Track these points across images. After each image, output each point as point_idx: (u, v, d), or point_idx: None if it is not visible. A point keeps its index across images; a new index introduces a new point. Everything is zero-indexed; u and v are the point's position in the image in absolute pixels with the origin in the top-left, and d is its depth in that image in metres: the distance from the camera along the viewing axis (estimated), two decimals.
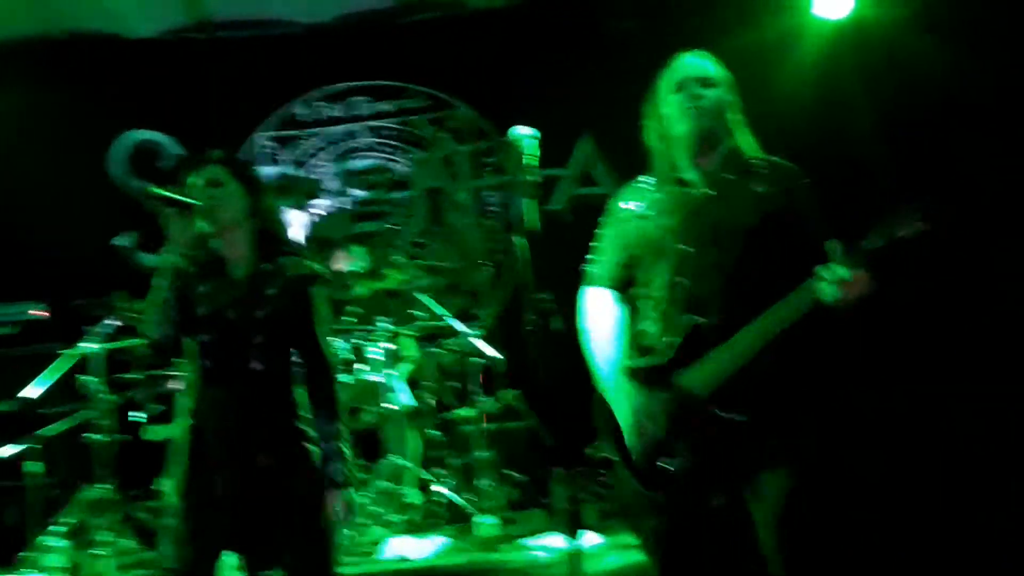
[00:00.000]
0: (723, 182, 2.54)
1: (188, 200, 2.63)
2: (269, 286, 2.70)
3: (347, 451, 2.73)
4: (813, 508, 2.36)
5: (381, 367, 4.87)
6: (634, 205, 2.62)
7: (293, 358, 2.75)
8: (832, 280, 2.25)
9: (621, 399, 2.50)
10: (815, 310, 2.31)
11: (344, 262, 5.72)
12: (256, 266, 2.73)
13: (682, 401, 2.42)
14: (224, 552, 2.67)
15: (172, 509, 2.60)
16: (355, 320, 5.20)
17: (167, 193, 2.61)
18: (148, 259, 6.67)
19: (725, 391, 2.38)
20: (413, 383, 5.45)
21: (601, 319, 2.64)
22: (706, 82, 2.56)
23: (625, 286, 2.65)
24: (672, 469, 2.40)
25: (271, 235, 2.79)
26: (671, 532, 2.44)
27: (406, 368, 5.57)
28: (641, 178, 2.69)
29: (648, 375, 2.49)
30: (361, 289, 5.53)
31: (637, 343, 2.56)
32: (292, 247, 2.85)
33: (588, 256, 2.75)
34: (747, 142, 2.60)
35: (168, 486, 2.64)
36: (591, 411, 2.61)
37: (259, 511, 2.58)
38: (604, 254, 2.69)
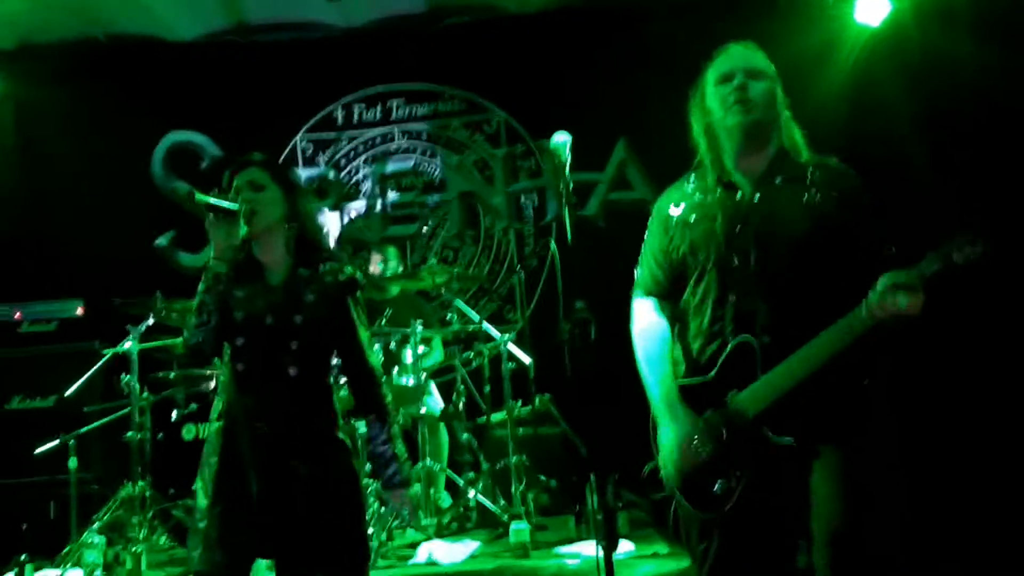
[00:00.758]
0: (772, 187, 2.43)
1: (231, 206, 2.64)
2: (307, 292, 2.71)
3: (402, 450, 2.73)
4: (868, 524, 2.28)
5: (415, 370, 4.87)
6: (678, 210, 2.53)
7: (331, 364, 2.77)
8: (890, 306, 2.15)
9: (667, 423, 2.43)
10: (868, 333, 2.22)
11: (377, 264, 5.75)
12: (294, 271, 2.74)
13: (732, 422, 2.34)
14: (257, 557, 2.69)
15: (201, 512, 2.60)
16: (385, 323, 5.22)
17: (210, 199, 2.63)
18: (187, 259, 6.77)
19: (776, 412, 2.29)
20: (447, 386, 5.47)
21: (648, 335, 2.56)
22: (755, 73, 2.44)
23: (673, 292, 2.57)
24: (720, 492, 2.34)
25: (309, 240, 2.79)
26: (721, 554, 2.37)
27: (431, 360, 5.59)
28: (686, 177, 2.60)
29: (697, 393, 2.42)
30: (394, 290, 5.56)
31: (686, 356, 2.49)
32: (330, 253, 2.85)
33: (636, 260, 2.70)
34: (798, 141, 2.49)
35: (199, 488, 2.64)
36: (643, 425, 2.58)
37: (293, 517, 2.58)
38: (649, 260, 2.61)
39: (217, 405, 2.72)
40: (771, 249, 2.36)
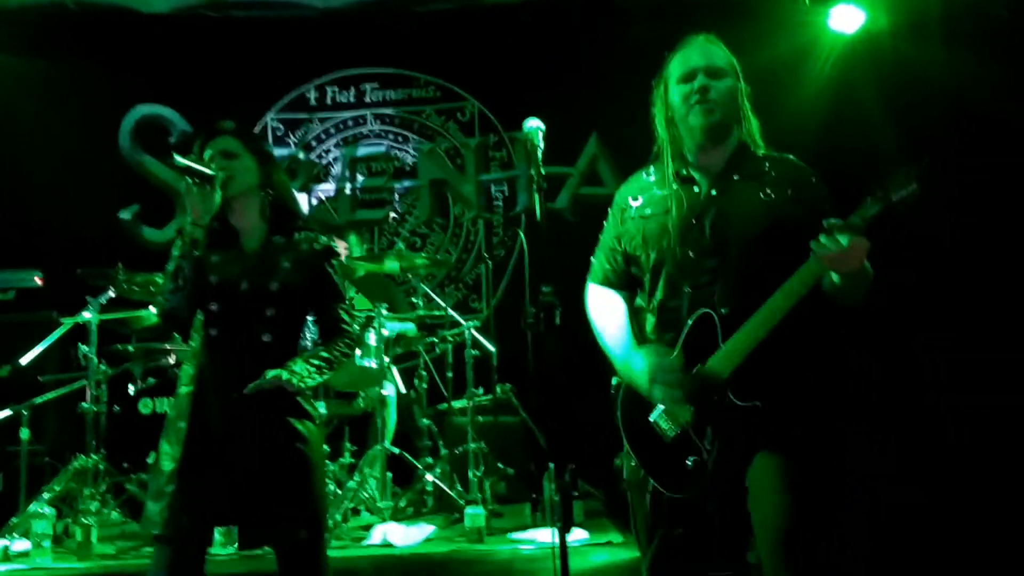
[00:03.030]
0: (729, 183, 2.47)
1: (208, 170, 2.63)
2: (283, 259, 2.71)
3: (316, 372, 2.63)
4: (819, 512, 2.28)
5: (378, 354, 4.87)
6: (636, 202, 2.58)
7: (303, 331, 2.76)
8: (832, 248, 2.17)
9: (641, 363, 2.43)
10: (820, 292, 2.27)
11: (341, 252, 5.73)
12: (268, 238, 2.74)
13: (704, 386, 2.35)
14: (220, 524, 2.67)
15: (167, 476, 2.57)
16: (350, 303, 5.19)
17: (188, 162, 2.61)
18: (151, 233, 6.70)
19: (741, 378, 2.32)
20: (409, 371, 5.47)
21: (605, 310, 2.63)
22: (716, 72, 2.47)
23: (626, 284, 2.62)
24: (692, 467, 2.36)
25: (283, 207, 2.79)
26: (681, 540, 2.39)
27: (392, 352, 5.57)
28: (645, 170, 2.64)
29: None
30: (360, 271, 5.53)
31: (642, 338, 2.54)
32: (305, 221, 2.85)
33: (594, 250, 2.74)
34: (755, 133, 2.54)
35: (165, 451, 2.62)
36: (606, 412, 2.61)
37: (254, 485, 2.57)
38: (604, 250, 2.67)
39: (187, 370, 2.69)
40: (726, 244, 2.41)
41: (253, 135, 2.91)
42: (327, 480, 4.37)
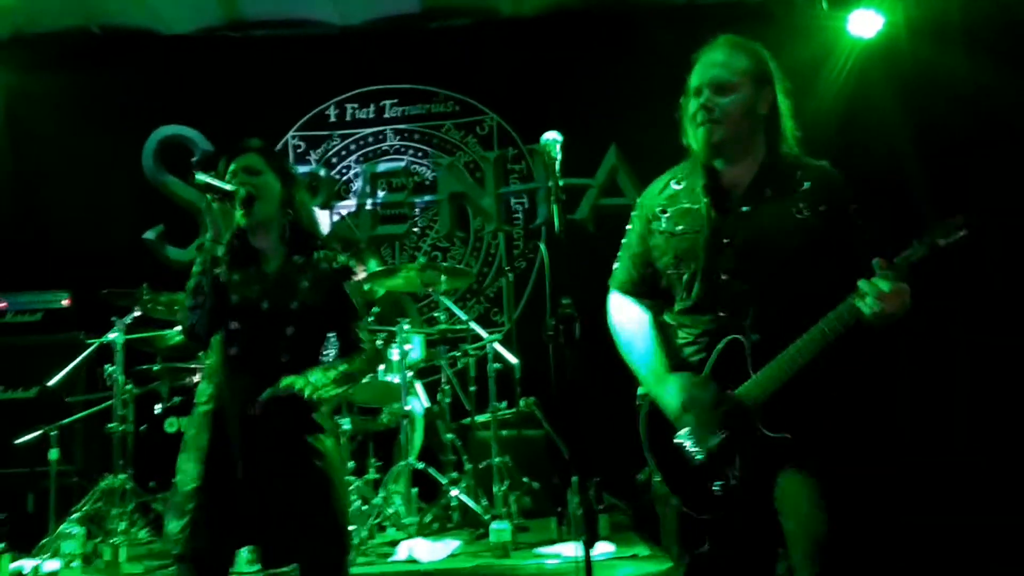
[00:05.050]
0: (760, 200, 2.39)
1: (231, 188, 2.64)
2: (302, 279, 2.72)
3: (332, 384, 2.66)
4: (852, 523, 2.27)
5: (400, 369, 4.87)
6: (665, 215, 2.49)
7: (321, 351, 2.78)
8: (874, 294, 2.15)
9: (673, 390, 2.38)
10: (858, 325, 2.22)
11: (361, 272, 5.75)
12: (288, 258, 2.75)
13: (732, 414, 2.31)
14: (241, 545, 2.68)
15: (187, 495, 2.58)
16: (372, 321, 5.21)
17: (208, 179, 2.63)
18: (174, 253, 6.76)
19: (770, 409, 2.28)
20: (433, 386, 5.46)
21: (630, 322, 2.56)
22: (723, 87, 2.39)
23: (649, 293, 2.56)
24: (719, 493, 2.32)
25: (303, 229, 2.80)
26: (707, 559, 2.36)
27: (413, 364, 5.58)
28: (673, 175, 2.56)
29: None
30: (380, 290, 5.56)
31: (672, 358, 2.45)
32: (324, 241, 2.86)
33: (617, 256, 2.70)
34: (790, 141, 2.45)
35: (185, 470, 2.62)
36: (624, 428, 2.59)
37: (274, 503, 2.58)
38: (629, 259, 2.60)
39: (205, 388, 2.70)
40: (758, 266, 2.33)
41: (277, 154, 2.91)
42: (351, 495, 4.37)
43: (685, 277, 2.43)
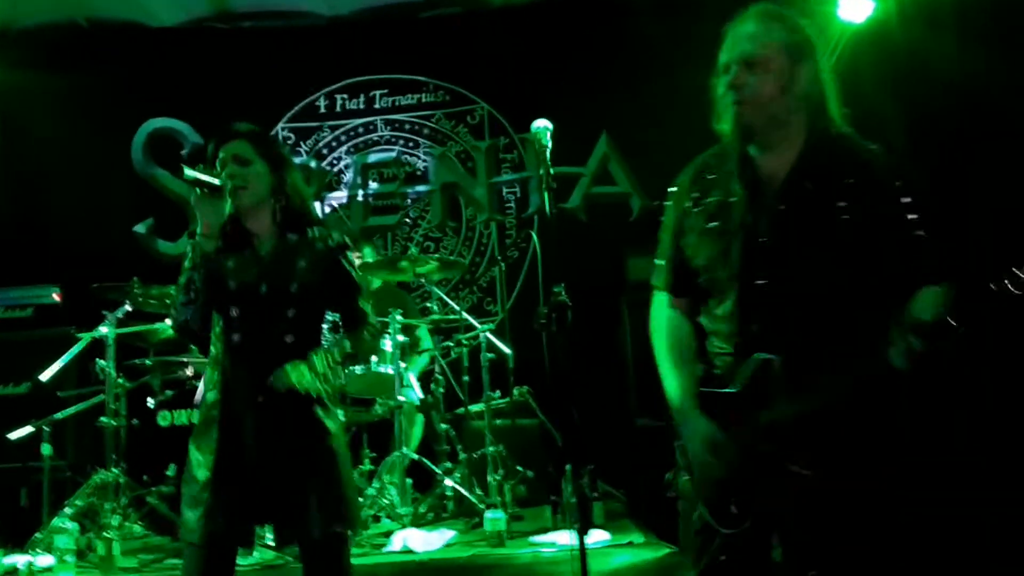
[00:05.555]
0: (800, 195, 2.14)
1: (216, 181, 2.62)
2: (299, 259, 2.71)
3: (337, 366, 2.69)
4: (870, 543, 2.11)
5: (393, 360, 4.86)
6: (698, 209, 2.28)
7: (323, 329, 2.78)
8: (905, 351, 1.95)
9: (691, 433, 2.23)
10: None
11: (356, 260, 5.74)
12: (282, 239, 2.73)
13: (755, 442, 2.13)
14: (255, 524, 2.68)
15: (201, 484, 2.58)
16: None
17: (196, 174, 2.60)
18: (165, 247, 6.73)
19: (796, 442, 2.09)
20: (426, 376, 5.46)
21: (666, 334, 2.38)
22: (752, 64, 2.15)
23: (691, 287, 2.34)
24: (737, 512, 2.15)
25: (297, 211, 2.78)
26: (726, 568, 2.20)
27: (422, 360, 5.59)
28: (706, 159, 2.33)
29: (718, 402, 2.21)
30: (375, 282, 5.56)
31: (706, 364, 2.29)
32: (317, 219, 2.84)
33: (617, 255, 2.65)
34: (835, 117, 2.20)
35: (197, 459, 2.63)
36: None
37: (287, 483, 2.58)
38: (667, 252, 2.39)
39: (212, 376, 2.70)
40: (796, 271, 2.11)
41: (267, 139, 2.87)
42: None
43: (718, 281, 2.22)
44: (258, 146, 2.74)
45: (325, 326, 2.85)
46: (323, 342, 2.77)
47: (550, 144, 2.67)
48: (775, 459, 2.11)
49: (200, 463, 2.62)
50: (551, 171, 2.64)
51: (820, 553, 2.11)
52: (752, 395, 2.16)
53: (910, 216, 2.12)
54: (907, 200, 2.13)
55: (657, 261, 2.43)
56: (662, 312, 2.42)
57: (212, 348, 2.73)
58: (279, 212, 2.75)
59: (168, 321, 4.84)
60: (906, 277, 2.09)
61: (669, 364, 2.35)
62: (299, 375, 2.56)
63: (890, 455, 2.17)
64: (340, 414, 4.40)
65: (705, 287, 2.27)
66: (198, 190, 2.61)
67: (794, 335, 2.11)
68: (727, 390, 2.20)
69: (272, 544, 3.67)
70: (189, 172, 2.60)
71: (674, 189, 2.38)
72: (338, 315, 2.88)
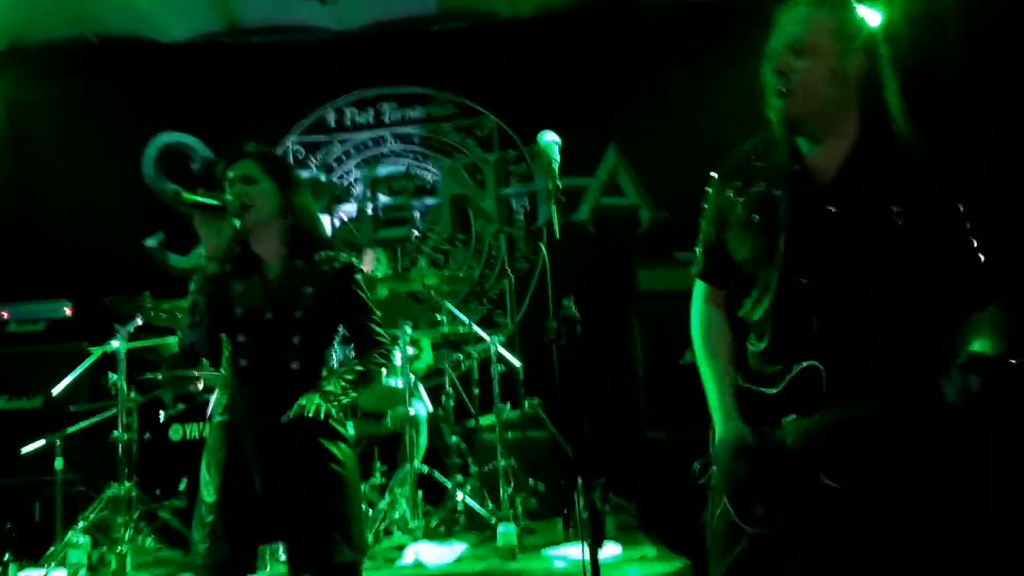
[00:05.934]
0: (852, 192, 2.03)
1: (218, 203, 2.63)
2: (305, 285, 2.70)
3: (350, 388, 2.66)
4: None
5: (403, 372, 4.86)
6: (740, 198, 2.18)
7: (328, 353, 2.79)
8: (959, 389, 1.82)
9: (720, 431, 2.19)
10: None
11: (370, 262, 5.74)
12: (290, 264, 2.73)
13: (784, 446, 2.06)
14: (261, 544, 2.69)
15: (208, 507, 2.60)
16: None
17: (196, 197, 2.62)
18: (176, 260, 6.76)
19: (833, 452, 1.99)
20: (436, 389, 5.46)
21: (706, 329, 2.32)
22: (803, 49, 2.03)
23: (728, 280, 2.29)
24: (759, 514, 2.08)
25: (304, 232, 2.77)
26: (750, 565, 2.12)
27: (419, 366, 5.57)
28: (754, 146, 2.23)
29: (756, 402, 2.15)
30: (383, 291, 5.55)
31: (745, 363, 2.23)
32: (326, 241, 2.84)
33: (625, 266, 2.63)
34: (895, 113, 2.08)
35: (206, 481, 2.64)
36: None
37: (292, 508, 2.59)
38: (705, 245, 2.31)
39: (220, 399, 2.72)
40: (845, 272, 2.02)
41: (275, 159, 2.87)
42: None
43: (761, 278, 2.14)
44: (266, 165, 2.75)
45: (335, 341, 2.85)
46: (332, 363, 2.77)
47: (558, 157, 2.67)
48: (806, 467, 2.01)
49: (208, 484, 2.64)
50: (559, 184, 2.64)
51: (835, 570, 2.03)
52: (792, 399, 2.07)
53: (966, 228, 2.03)
54: (963, 211, 2.03)
55: (697, 249, 2.35)
56: (700, 304, 2.36)
57: (222, 371, 2.74)
58: (287, 233, 2.74)
59: (169, 340, 4.89)
60: (960, 292, 2.00)
61: (704, 357, 2.29)
62: (312, 407, 2.53)
63: (939, 483, 2.03)
64: (350, 426, 4.42)
65: (746, 281, 2.19)
66: (199, 214, 2.62)
67: (837, 341, 2.02)
68: (767, 390, 2.13)
69: (284, 561, 3.67)
70: (187, 196, 2.62)
71: (715, 176, 2.29)
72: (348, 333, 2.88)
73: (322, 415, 2.52)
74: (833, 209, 2.04)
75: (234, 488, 2.59)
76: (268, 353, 2.65)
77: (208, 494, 2.62)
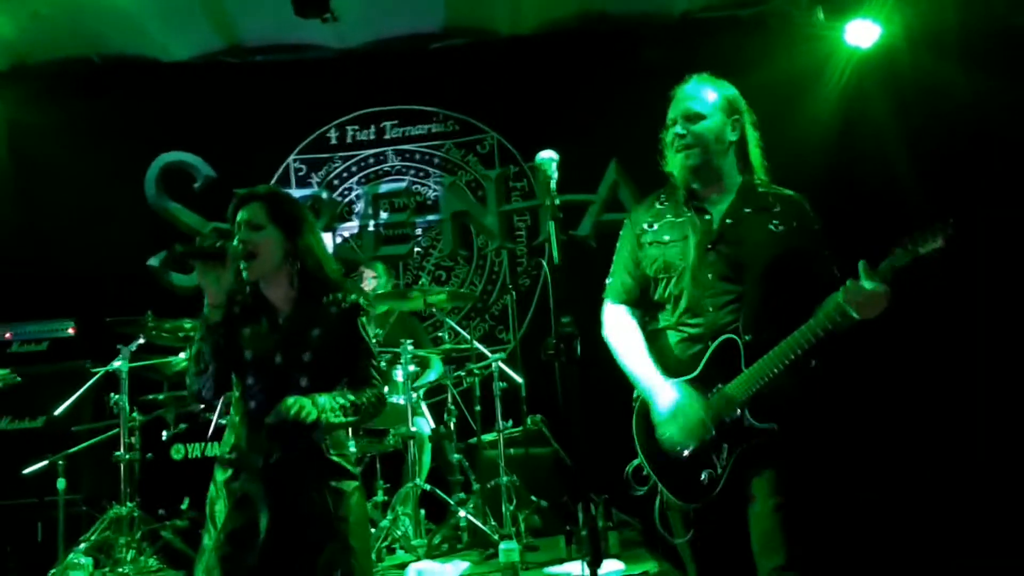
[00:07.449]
0: (741, 215, 2.64)
1: (216, 252, 2.63)
2: (313, 327, 2.70)
3: (339, 409, 2.63)
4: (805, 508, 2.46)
5: (405, 390, 4.86)
6: (653, 228, 2.72)
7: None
8: (857, 293, 2.36)
9: (661, 392, 2.57)
10: (838, 328, 2.42)
11: (369, 280, 5.74)
12: (298, 307, 2.73)
13: (722, 408, 2.51)
14: None
15: (207, 550, 2.59)
16: (376, 342, 5.21)
17: (192, 249, 2.64)
18: (179, 279, 6.77)
19: (759, 402, 2.48)
20: (439, 406, 5.45)
21: (624, 331, 2.73)
22: (693, 117, 2.66)
23: (641, 302, 2.74)
24: (706, 482, 2.49)
25: (312, 274, 2.76)
26: (707, 541, 2.54)
27: (427, 378, 5.57)
28: (657, 197, 2.80)
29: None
30: (381, 308, 5.54)
31: (663, 361, 2.64)
32: (335, 282, 2.81)
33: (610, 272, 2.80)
34: (758, 168, 2.71)
35: (209, 514, 2.64)
36: (628, 430, 2.69)
37: (298, 549, 2.58)
38: (622, 270, 2.78)
39: (228, 439, 2.73)
40: (743, 270, 2.57)
41: (282, 201, 2.82)
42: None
43: (675, 280, 2.64)
44: (272, 210, 2.74)
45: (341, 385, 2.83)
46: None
47: (556, 175, 2.70)
48: (740, 421, 2.50)
49: (213, 521, 2.63)
50: (557, 201, 2.66)
51: (784, 483, 2.45)
52: (713, 373, 2.55)
53: (823, 237, 2.64)
54: (819, 226, 2.65)
55: (611, 279, 2.82)
56: (617, 318, 2.77)
57: (232, 411, 2.75)
58: (295, 276, 2.74)
59: (183, 354, 4.89)
60: (820, 280, 2.54)
61: (634, 354, 2.68)
62: (296, 408, 2.51)
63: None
64: (352, 445, 4.41)
65: (660, 295, 2.68)
66: (199, 264, 2.63)
67: (749, 322, 2.53)
68: (688, 376, 2.58)
69: None
70: (183, 249, 2.66)
71: (630, 219, 2.83)
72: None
73: (302, 416, 2.50)
74: (729, 221, 2.64)
75: (236, 531, 2.59)
76: (277, 396, 2.61)
77: (213, 532, 2.61)
